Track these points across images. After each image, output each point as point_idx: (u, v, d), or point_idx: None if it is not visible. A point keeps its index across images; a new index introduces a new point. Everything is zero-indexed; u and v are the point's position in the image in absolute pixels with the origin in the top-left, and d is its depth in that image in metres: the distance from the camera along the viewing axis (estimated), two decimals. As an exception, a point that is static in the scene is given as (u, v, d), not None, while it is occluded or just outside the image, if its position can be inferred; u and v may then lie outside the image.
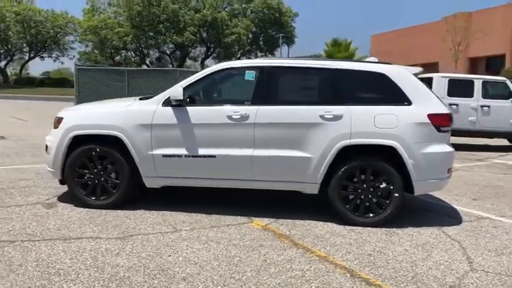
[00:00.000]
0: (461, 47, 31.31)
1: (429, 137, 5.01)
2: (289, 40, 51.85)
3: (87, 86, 17.41)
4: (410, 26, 65.87)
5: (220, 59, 55.44)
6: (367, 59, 5.63)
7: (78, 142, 5.39)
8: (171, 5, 45.52)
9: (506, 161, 10.59)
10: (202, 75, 5.36)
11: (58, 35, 56.01)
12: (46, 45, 56.82)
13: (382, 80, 5.14)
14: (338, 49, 25.39)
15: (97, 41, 48.63)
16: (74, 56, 56.55)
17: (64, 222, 4.87)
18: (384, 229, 5.01)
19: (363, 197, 5.09)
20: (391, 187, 5.04)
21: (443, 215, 5.70)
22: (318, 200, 5.61)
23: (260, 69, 5.26)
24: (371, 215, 5.09)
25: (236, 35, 45.98)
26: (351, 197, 5.14)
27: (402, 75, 5.17)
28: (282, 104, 5.20)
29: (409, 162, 4.95)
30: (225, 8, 48.74)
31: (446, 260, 4.21)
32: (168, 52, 53.75)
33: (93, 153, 5.36)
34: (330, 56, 25.40)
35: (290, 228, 4.97)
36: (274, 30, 50.40)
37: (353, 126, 4.99)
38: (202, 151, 5.20)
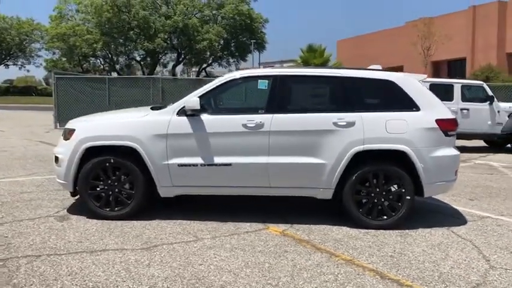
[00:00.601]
0: (430, 51, 32.16)
1: (437, 141, 5.23)
2: (260, 46, 52.19)
3: (66, 95, 17.04)
4: (374, 31, 67.86)
5: (191, 65, 55.35)
6: (371, 67, 5.81)
7: (91, 153, 5.36)
8: (142, 11, 45.10)
9: (487, 162, 11.04)
10: (216, 85, 5.43)
11: (24, 42, 54.62)
12: (11, 52, 55.29)
13: (391, 87, 5.33)
14: (313, 55, 25.76)
15: (65, 48, 47.64)
16: (41, 64, 55.24)
17: (83, 235, 4.83)
18: (397, 231, 5.18)
19: (375, 200, 5.26)
20: (403, 190, 5.23)
21: (448, 216, 5.94)
22: (328, 205, 5.75)
23: (273, 78, 5.37)
24: (384, 217, 5.26)
25: (208, 41, 45.93)
26: (364, 200, 5.30)
27: (409, 82, 5.38)
28: (295, 112, 5.33)
29: (419, 165, 5.15)
30: (196, 14, 48.66)
31: (464, 259, 4.41)
32: (138, 59, 53.18)
33: (107, 164, 5.34)
34: (305, 62, 25.83)
35: (308, 233, 5.08)
36: (245, 36, 50.64)
37: (366, 132, 5.16)
38: (218, 159, 5.26)
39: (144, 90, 16.98)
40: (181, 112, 5.31)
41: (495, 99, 12.54)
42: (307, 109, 5.43)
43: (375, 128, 5.17)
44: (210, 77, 43.86)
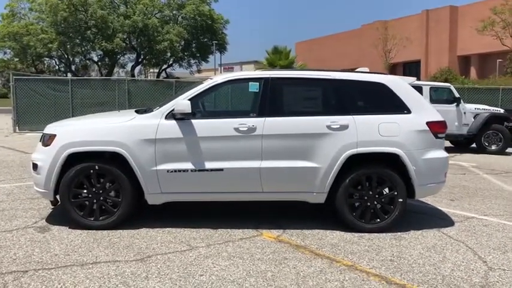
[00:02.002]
0: (391, 53, 32.99)
1: (428, 143, 5.26)
2: (222, 47, 51.93)
3: (26, 97, 16.20)
4: (332, 33, 69.26)
5: (151, 66, 54.36)
6: (359, 69, 5.79)
7: (73, 160, 5.07)
8: (99, 10, 43.84)
9: (456, 162, 11.33)
10: (206, 87, 5.25)
11: (-29, 42, 51.91)
12: (-43, 52, 52.43)
13: (383, 89, 5.33)
14: (279, 57, 25.78)
15: (18, 48, 45.69)
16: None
17: (69, 247, 4.55)
18: (390, 234, 5.17)
19: (368, 204, 5.23)
20: (395, 193, 5.22)
21: (434, 217, 6.00)
22: (319, 209, 5.70)
23: (265, 81, 5.25)
24: (377, 220, 5.25)
25: (168, 41, 45.20)
26: (357, 204, 5.27)
27: (400, 85, 5.39)
28: (287, 115, 5.23)
29: (411, 168, 5.16)
30: (156, 14, 47.80)
31: (462, 260, 4.44)
32: (95, 59, 51.74)
33: (92, 171, 5.07)
34: (271, 64, 25.83)
35: (302, 238, 4.99)
36: (206, 37, 50.22)
37: (359, 135, 5.12)
38: (209, 165, 5.09)
39: (109, 92, 16.43)
40: (170, 116, 5.10)
41: (461, 100, 12.92)
42: (299, 112, 5.34)
43: (368, 131, 5.15)
44: (171, 78, 43.21)
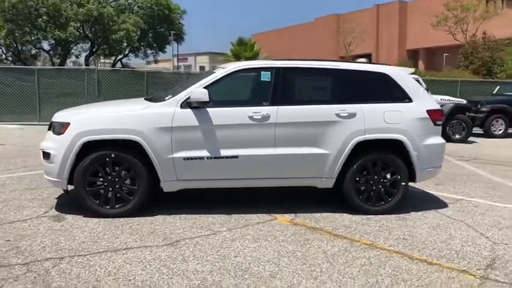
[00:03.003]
0: (351, 47, 33.85)
1: (428, 130, 5.61)
2: (179, 37, 51.32)
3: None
4: (287, 26, 70.08)
5: (105, 55, 52.92)
6: (359, 60, 6.08)
7: (87, 149, 5.05)
8: (51, -3, 42.19)
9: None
10: (220, 76, 5.35)
11: None
12: None
13: (386, 79, 5.63)
14: (244, 48, 25.89)
15: (-39, 35, 43.22)
16: None
17: (93, 234, 4.56)
18: (393, 216, 5.49)
19: (374, 187, 5.53)
20: (398, 177, 5.55)
21: (426, 200, 6.39)
22: (320, 193, 5.96)
23: (276, 70, 5.42)
24: (381, 203, 5.56)
25: (124, 31, 44.13)
26: (362, 188, 5.56)
27: (401, 75, 5.71)
28: (298, 103, 5.43)
29: (413, 153, 5.50)
30: (111, 3, 46.52)
31: (466, 237, 4.82)
32: (47, 49, 49.74)
33: (107, 159, 5.07)
34: (236, 55, 25.88)
35: (315, 221, 5.23)
36: (163, 27, 49.44)
37: (366, 122, 5.40)
38: (224, 152, 5.21)
39: (77, 81, 15.97)
40: (185, 104, 5.18)
41: (429, 91, 13.54)
42: (309, 101, 5.56)
43: (374, 119, 5.43)
44: (127, 68, 42.34)
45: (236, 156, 5.23)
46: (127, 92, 15.65)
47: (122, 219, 5.06)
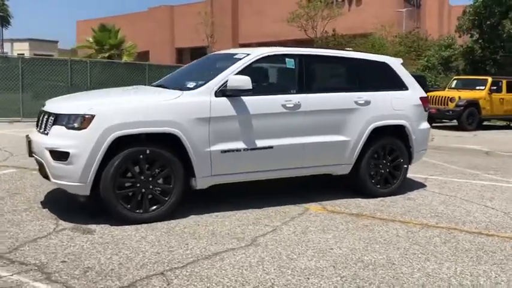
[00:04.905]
0: (213, 38, 34.06)
1: (421, 116, 6.13)
2: (5, 20, 45.36)
3: None
4: (118, 14, 67.09)
5: None
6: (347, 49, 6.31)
7: (115, 145, 4.31)
8: None
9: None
10: (249, 62, 5.02)
11: None
12: None
13: (387, 68, 5.97)
14: (108, 35, 23.89)
15: None
16: None
17: (157, 244, 3.93)
18: (398, 197, 5.87)
19: (382, 171, 5.84)
20: (401, 160, 5.95)
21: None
22: (320, 181, 6.08)
23: (299, 58, 5.31)
24: (388, 185, 5.90)
25: None
26: (372, 172, 5.81)
27: (397, 65, 6.11)
28: (321, 91, 5.43)
29: (412, 137, 5.95)
30: None
31: (467, 207, 5.44)
32: None
33: (141, 156, 4.39)
34: (99, 42, 23.71)
35: (345, 207, 5.31)
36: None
37: (379, 109, 5.66)
38: (260, 143, 4.95)
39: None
40: (219, 92, 4.76)
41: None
42: (329, 89, 5.58)
43: (385, 106, 5.73)
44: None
45: (271, 147, 5.01)
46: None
47: (159, 224, 4.45)
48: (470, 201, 5.77)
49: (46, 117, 4.55)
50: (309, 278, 3.36)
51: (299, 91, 5.23)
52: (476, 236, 4.45)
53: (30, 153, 4.71)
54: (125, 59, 22.79)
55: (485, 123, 17.51)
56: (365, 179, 5.70)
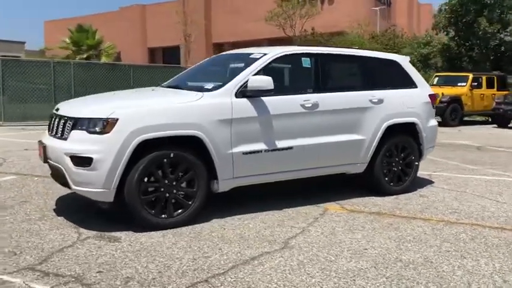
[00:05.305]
0: (191, 38, 33.73)
1: (430, 113, 6.18)
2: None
3: None
4: (88, 14, 65.70)
5: None
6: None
7: (140, 148, 4.18)
8: None
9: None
10: (268, 61, 4.94)
11: None
12: None
13: (397, 66, 5.99)
14: (86, 35, 23.28)
15: None
16: None
17: (190, 251, 3.82)
18: (409, 194, 5.91)
19: (395, 169, 5.86)
20: (413, 157, 5.98)
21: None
22: (328, 181, 6.06)
23: (315, 57, 5.28)
24: (400, 183, 5.93)
25: None
26: (385, 170, 5.82)
27: (406, 63, 6.15)
28: (336, 90, 5.40)
29: (422, 134, 6.00)
30: None
31: (480, 203, 5.50)
32: None
33: (165, 160, 4.27)
34: (76, 43, 23.07)
35: (363, 206, 5.29)
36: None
37: (392, 107, 5.68)
38: (280, 143, 4.90)
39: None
40: (240, 93, 4.68)
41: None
42: (344, 88, 5.55)
43: (397, 104, 5.74)
44: None
45: (291, 147, 4.96)
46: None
47: (186, 229, 4.34)
48: (481, 196, 5.85)
49: (63, 121, 4.38)
50: (355, 280, 3.32)
51: (316, 90, 5.19)
52: (500, 231, 4.50)
53: (46, 159, 4.51)
54: (103, 59, 22.32)
55: (465, 118, 17.88)
56: (379, 177, 5.70)
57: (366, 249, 3.95)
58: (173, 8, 58.63)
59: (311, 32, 27.96)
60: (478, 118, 19.09)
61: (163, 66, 22.70)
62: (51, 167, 4.52)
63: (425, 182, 6.59)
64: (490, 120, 18.29)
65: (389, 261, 3.67)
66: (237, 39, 53.83)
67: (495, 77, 18.10)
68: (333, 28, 31.98)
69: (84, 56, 22.32)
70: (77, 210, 4.87)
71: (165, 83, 5.82)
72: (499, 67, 22.39)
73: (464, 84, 16.98)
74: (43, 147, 4.52)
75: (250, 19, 45.37)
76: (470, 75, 17.33)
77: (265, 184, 5.19)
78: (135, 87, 13.72)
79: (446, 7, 24.48)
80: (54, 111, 4.68)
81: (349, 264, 3.60)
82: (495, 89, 17.63)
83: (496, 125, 16.68)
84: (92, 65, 16.40)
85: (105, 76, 14.91)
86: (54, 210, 4.91)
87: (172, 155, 4.29)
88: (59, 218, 4.63)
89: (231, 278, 3.30)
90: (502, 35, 23.33)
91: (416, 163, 6.02)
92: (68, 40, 23.52)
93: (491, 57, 23.81)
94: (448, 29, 24.83)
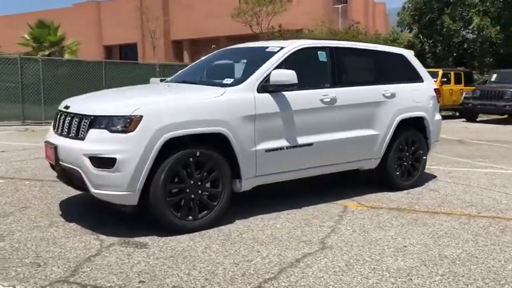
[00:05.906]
0: (156, 34, 33.00)
1: (435, 107, 6.18)
2: None
3: None
4: (39, 10, 63.17)
5: None
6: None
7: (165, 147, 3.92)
8: None
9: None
10: (286, 55, 4.76)
11: None
12: None
13: (404, 61, 5.96)
14: (48, 31, 22.15)
15: None
16: None
17: (224, 253, 3.62)
18: (419, 188, 5.90)
19: (405, 163, 5.82)
20: (421, 151, 5.96)
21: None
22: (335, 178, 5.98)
23: (330, 50, 5.14)
24: (410, 177, 5.89)
25: None
26: (396, 165, 5.77)
27: (412, 57, 6.12)
28: (351, 84, 5.29)
29: (430, 129, 5.99)
30: None
31: (490, 195, 5.54)
32: None
33: (191, 159, 4.02)
34: (37, 39, 21.90)
35: (378, 203, 5.21)
36: None
37: (403, 101, 5.63)
38: (301, 140, 4.74)
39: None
40: (262, 88, 4.48)
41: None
42: (358, 82, 5.44)
43: (408, 98, 5.70)
44: None
45: (311, 144, 4.81)
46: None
47: (212, 231, 4.11)
48: (488, 189, 5.90)
49: (76, 119, 4.04)
50: (411, 279, 3.21)
51: (333, 85, 5.06)
52: (525, 223, 4.53)
53: (57, 161, 4.14)
54: (67, 56, 21.40)
55: (435, 113, 18.29)
56: (391, 172, 5.65)
57: (405, 246, 3.85)
58: (129, 5, 57.29)
59: (278, 29, 27.89)
60: (444, 113, 19.60)
61: (134, 63, 22.06)
62: (62, 169, 4.17)
63: (429, 176, 6.58)
64: (457, 114, 18.81)
65: (435, 259, 3.58)
66: (196, 36, 53.22)
67: (462, 73, 18.65)
68: (293, 26, 32.10)
69: (47, 52, 21.32)
70: (86, 215, 4.55)
71: (169, 79, 5.54)
72: (461, 63, 23.12)
73: (434, 79, 17.30)
74: (54, 148, 4.15)
75: (209, 16, 45.06)
76: (440, 71, 17.75)
77: (273, 183, 5.03)
78: (108, 85, 13.24)
79: (410, 5, 25.04)
80: (63, 109, 4.33)
81: (398, 263, 3.48)
82: (463, 85, 18.15)
83: (464, 119, 17.16)
84: (63, 61, 15.64)
85: (74, 74, 14.24)
86: (61, 215, 4.55)
87: (198, 154, 4.04)
88: (70, 224, 4.28)
89: (285, 282, 3.12)
90: (464, 33, 24.09)
91: (424, 157, 6.01)
92: (27, 36, 22.41)
93: (454, 54, 24.55)
94: (412, 26, 25.41)
